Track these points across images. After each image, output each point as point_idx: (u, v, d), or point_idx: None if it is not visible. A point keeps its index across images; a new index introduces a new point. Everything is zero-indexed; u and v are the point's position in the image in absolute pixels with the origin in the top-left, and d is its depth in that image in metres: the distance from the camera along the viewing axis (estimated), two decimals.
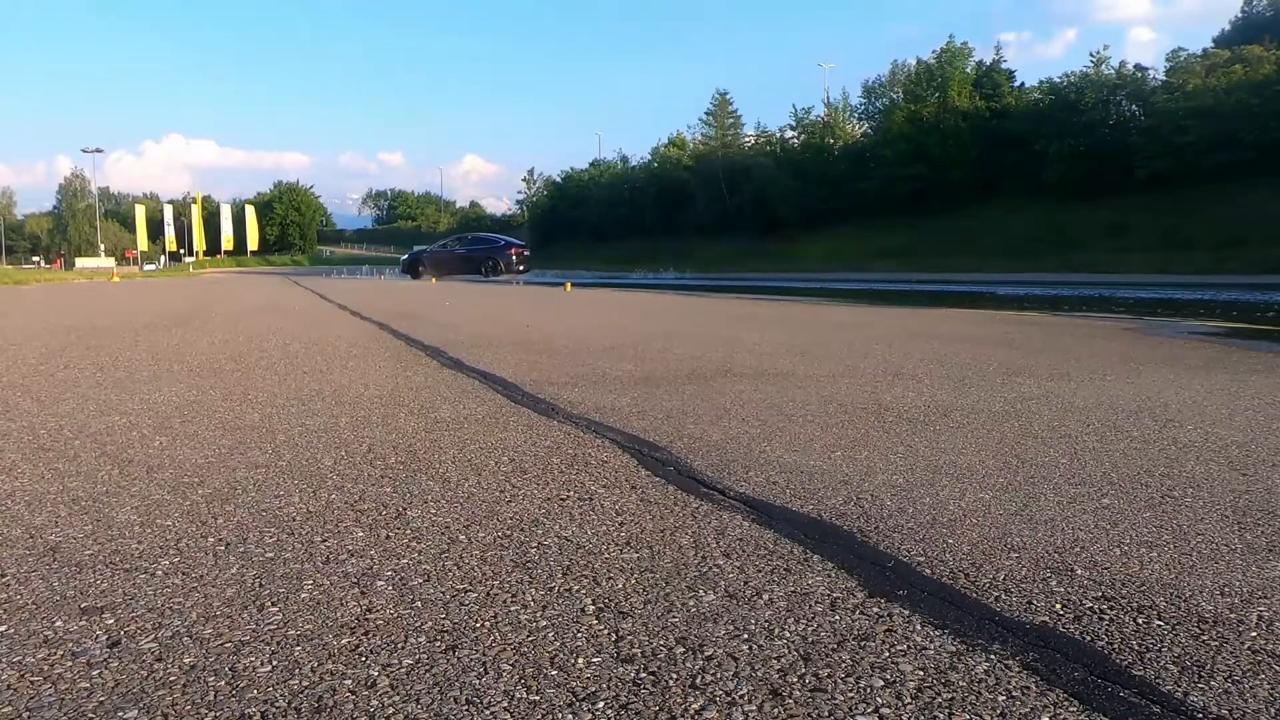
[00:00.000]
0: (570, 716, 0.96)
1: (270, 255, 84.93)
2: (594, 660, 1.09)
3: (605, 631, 1.17)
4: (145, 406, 2.93)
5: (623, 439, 2.36)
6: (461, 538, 1.55)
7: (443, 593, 1.31)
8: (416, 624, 1.20)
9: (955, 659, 1.09)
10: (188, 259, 74.77)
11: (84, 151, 72.80)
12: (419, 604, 1.26)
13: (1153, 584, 1.34)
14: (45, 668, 1.08)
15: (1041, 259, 29.55)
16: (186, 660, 1.09)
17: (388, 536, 1.56)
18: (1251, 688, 1.02)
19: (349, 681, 1.04)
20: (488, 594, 1.30)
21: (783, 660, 1.09)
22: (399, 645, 1.13)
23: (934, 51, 45.10)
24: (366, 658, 1.10)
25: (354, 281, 23.77)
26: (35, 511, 1.72)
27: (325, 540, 1.54)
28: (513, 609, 1.25)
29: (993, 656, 1.10)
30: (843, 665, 1.08)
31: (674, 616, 1.22)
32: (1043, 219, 34.51)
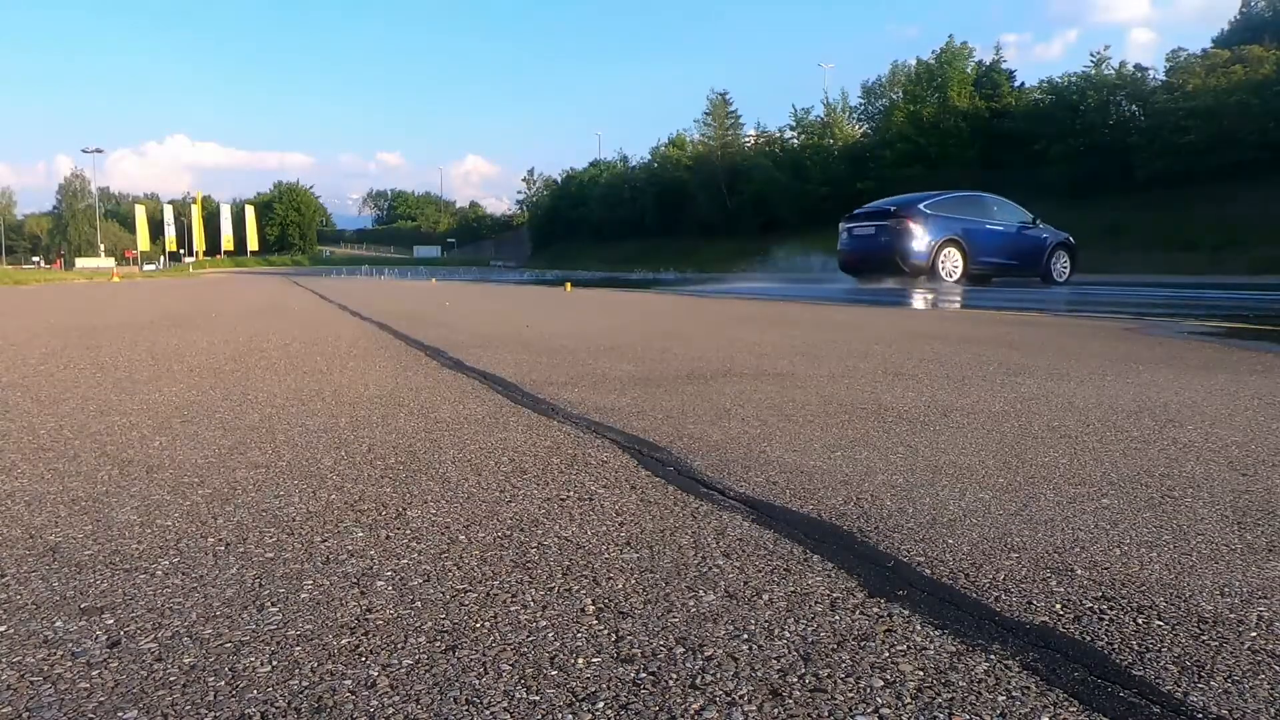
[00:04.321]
0: (570, 716, 0.96)
1: (270, 255, 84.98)
2: (594, 660, 1.09)
3: (605, 631, 1.17)
4: (145, 406, 2.93)
5: (623, 439, 2.36)
6: (461, 538, 1.55)
7: (443, 593, 1.30)
8: (416, 624, 1.20)
9: (955, 659, 1.09)
10: (188, 259, 74.84)
11: (84, 152, 73.04)
12: (419, 604, 1.26)
13: (1153, 584, 1.34)
14: (45, 668, 1.08)
15: None
16: (186, 660, 1.09)
17: (388, 536, 1.56)
18: (1251, 688, 1.02)
19: (349, 681, 1.04)
20: (488, 594, 1.30)
21: (783, 660, 1.09)
22: (399, 645, 1.13)
23: (934, 52, 45.19)
24: (366, 658, 1.10)
25: (354, 281, 23.78)
26: (35, 511, 1.72)
27: (325, 540, 1.54)
28: (513, 609, 1.25)
29: (993, 656, 1.10)
30: (843, 665, 1.08)
31: (674, 616, 1.22)
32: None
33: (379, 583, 1.35)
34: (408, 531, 1.59)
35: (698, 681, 1.04)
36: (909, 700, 0.99)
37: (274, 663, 1.08)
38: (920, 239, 13.12)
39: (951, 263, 13.26)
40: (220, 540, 1.54)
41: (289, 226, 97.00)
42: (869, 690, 1.02)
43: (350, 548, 1.50)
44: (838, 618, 1.21)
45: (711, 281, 20.61)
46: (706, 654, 1.10)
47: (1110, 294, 11.82)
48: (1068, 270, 14.44)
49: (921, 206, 13.56)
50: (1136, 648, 1.12)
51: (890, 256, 13.39)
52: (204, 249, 76.79)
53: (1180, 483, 1.91)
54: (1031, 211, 14.97)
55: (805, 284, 15.87)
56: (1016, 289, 13.14)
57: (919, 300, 10.43)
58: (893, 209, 13.86)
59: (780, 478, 1.94)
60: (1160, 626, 1.19)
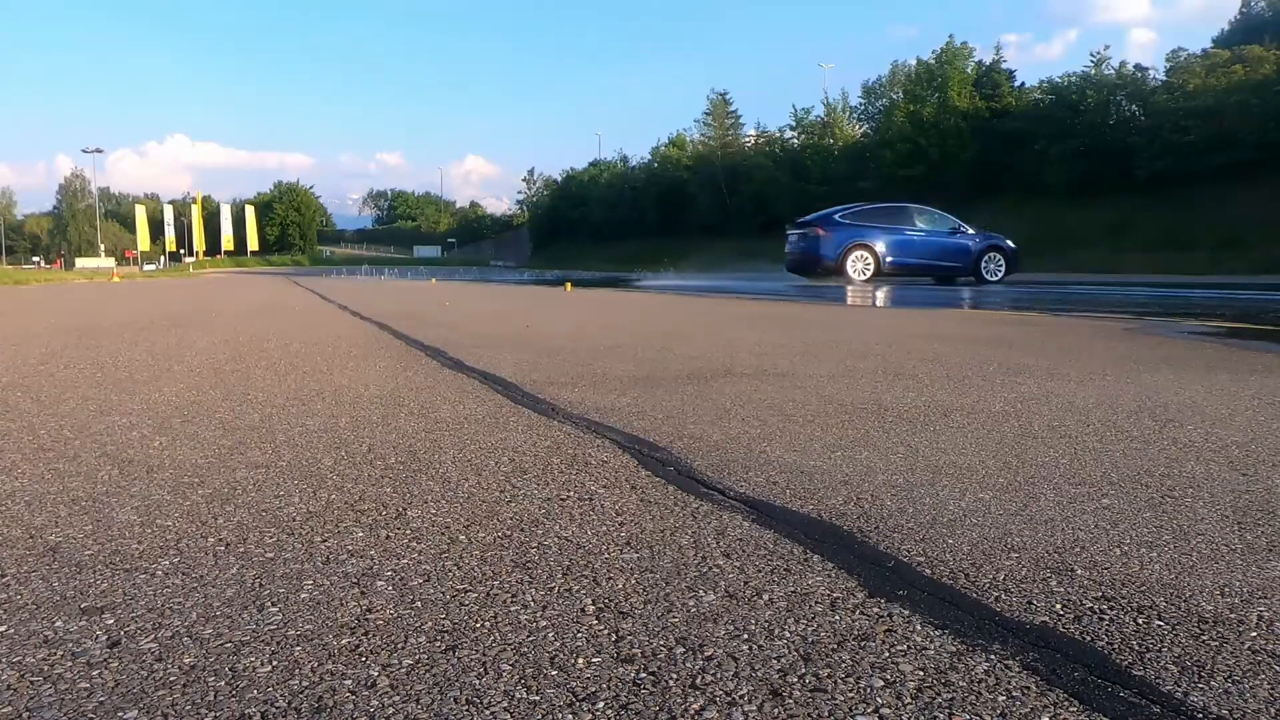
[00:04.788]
0: (570, 716, 0.96)
1: (270, 255, 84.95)
2: (594, 660, 1.09)
3: (605, 631, 1.17)
4: (145, 406, 2.93)
5: (623, 439, 2.36)
6: (461, 538, 1.55)
7: (443, 593, 1.31)
8: (416, 624, 1.20)
9: (955, 659, 1.09)
10: (188, 259, 74.85)
11: (84, 152, 73.07)
12: (419, 604, 1.26)
13: (1153, 584, 1.34)
14: (45, 668, 1.08)
15: (1041, 259, 29.54)
16: (186, 660, 1.09)
17: (388, 536, 1.56)
18: (1251, 688, 1.02)
19: (349, 681, 1.04)
20: (488, 594, 1.30)
21: (783, 660, 1.09)
22: (399, 645, 1.13)
23: (934, 52, 45.13)
24: (366, 658, 1.10)
25: (354, 281, 23.78)
26: (35, 511, 1.72)
27: (325, 540, 1.54)
28: (513, 609, 1.25)
29: (993, 656, 1.10)
30: (843, 665, 1.08)
31: (674, 616, 1.22)
32: (1043, 219, 34.51)
33: (379, 583, 1.35)
34: (408, 531, 1.59)
35: (698, 681, 1.04)
36: (909, 700, 0.99)
37: (274, 663, 1.09)
38: (829, 244, 15.71)
39: (862, 264, 15.55)
40: (220, 540, 1.54)
41: (289, 226, 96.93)
42: (869, 690, 1.02)
43: (350, 548, 1.50)
44: (838, 618, 1.21)
45: (702, 279, 21.55)
46: (706, 654, 1.10)
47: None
48: (1002, 271, 16.14)
49: (836, 217, 16.28)
50: (1136, 648, 1.12)
51: (809, 258, 16.11)
52: (204, 249, 76.68)
53: (1180, 483, 1.91)
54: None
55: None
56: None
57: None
58: (813, 219, 16.57)
59: (780, 478, 1.94)
60: (1160, 626, 1.19)
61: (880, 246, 15.52)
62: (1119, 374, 3.59)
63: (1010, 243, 16.32)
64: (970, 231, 16.14)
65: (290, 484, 1.92)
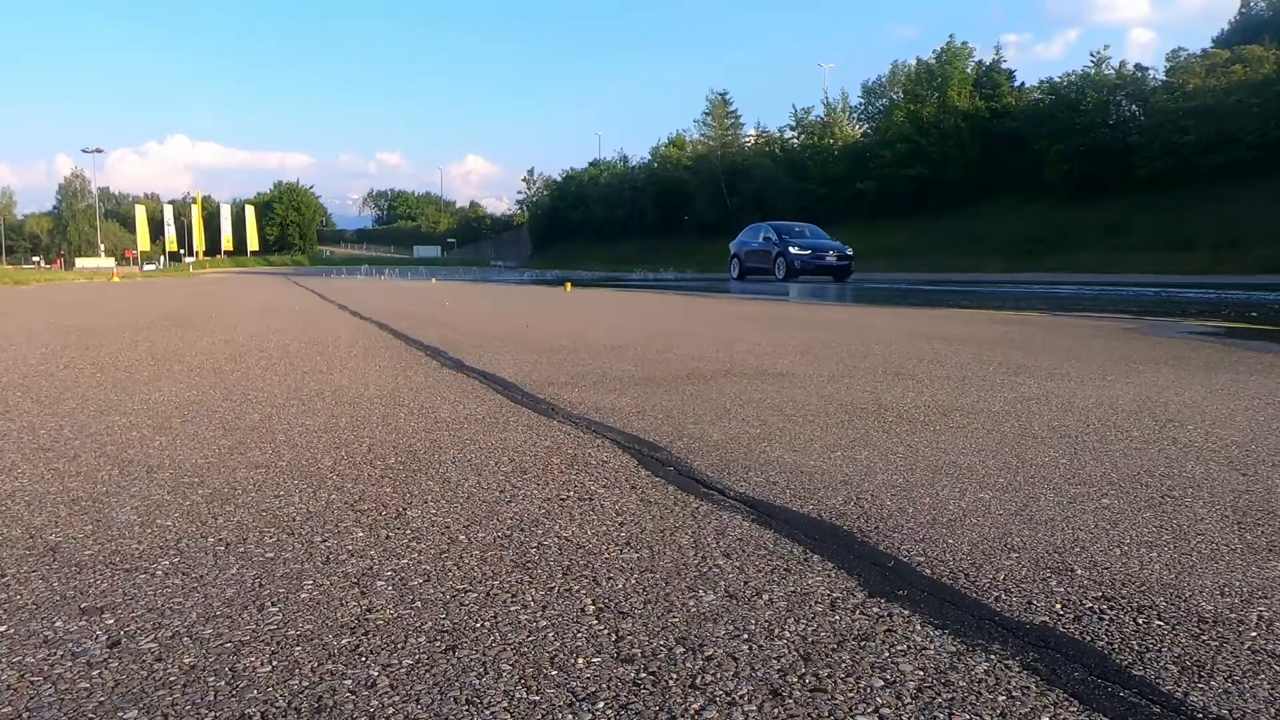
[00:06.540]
0: (570, 716, 0.96)
1: (270, 255, 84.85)
2: (594, 660, 1.09)
3: (605, 631, 1.17)
4: (145, 406, 2.93)
5: (623, 439, 2.36)
6: (461, 538, 1.55)
7: (443, 593, 1.31)
8: (416, 624, 1.20)
9: (955, 659, 1.09)
10: (188, 259, 74.79)
11: (84, 152, 72.97)
12: (419, 604, 1.26)
13: (1153, 584, 1.34)
14: (45, 668, 1.08)
15: (1042, 259, 29.56)
16: (186, 660, 1.09)
17: (388, 536, 1.56)
18: (1251, 688, 1.02)
19: (349, 681, 1.04)
20: (488, 594, 1.30)
21: (783, 660, 1.09)
22: (399, 645, 1.13)
23: (934, 52, 45.12)
24: (366, 658, 1.10)
25: (354, 281, 23.77)
26: (35, 511, 1.72)
27: (325, 540, 1.54)
28: (513, 609, 1.25)
29: (993, 656, 1.10)
30: (843, 665, 1.08)
31: (674, 616, 1.22)
32: (1043, 219, 34.55)
33: (379, 583, 1.35)
34: (408, 531, 1.59)
35: (698, 681, 1.04)
36: (909, 700, 0.99)
37: (274, 663, 1.09)
38: (731, 254, 22.87)
39: (734, 267, 22.49)
40: (220, 540, 1.54)
41: (289, 226, 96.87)
42: (869, 690, 1.02)
43: (350, 548, 1.50)
44: (838, 618, 1.21)
45: (708, 279, 23.59)
46: (706, 654, 1.10)
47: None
48: (783, 272, 20.43)
49: (740, 235, 23.01)
50: (1136, 648, 1.12)
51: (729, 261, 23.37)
52: (204, 249, 76.56)
53: (1180, 483, 1.91)
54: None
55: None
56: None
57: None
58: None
59: (780, 478, 1.94)
60: (1160, 626, 1.19)
61: (742, 254, 22.14)
62: (1119, 374, 3.59)
63: (797, 250, 20.30)
64: (774, 242, 21.03)
65: (290, 484, 1.92)
